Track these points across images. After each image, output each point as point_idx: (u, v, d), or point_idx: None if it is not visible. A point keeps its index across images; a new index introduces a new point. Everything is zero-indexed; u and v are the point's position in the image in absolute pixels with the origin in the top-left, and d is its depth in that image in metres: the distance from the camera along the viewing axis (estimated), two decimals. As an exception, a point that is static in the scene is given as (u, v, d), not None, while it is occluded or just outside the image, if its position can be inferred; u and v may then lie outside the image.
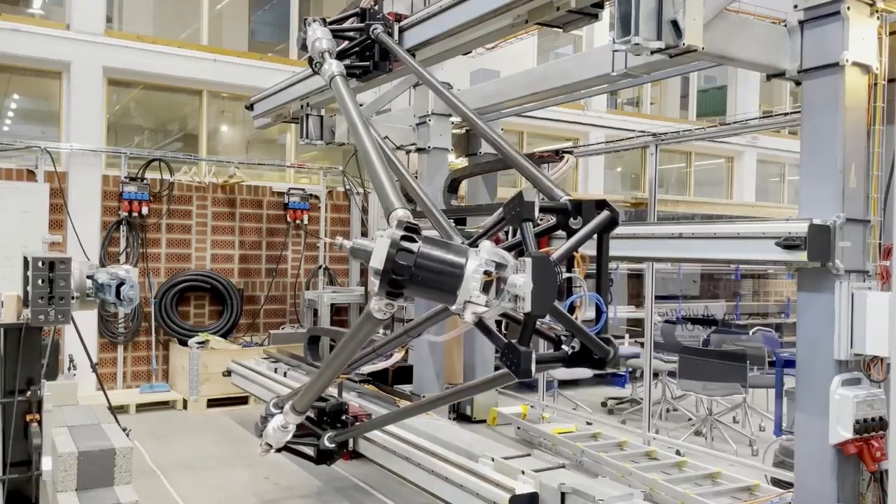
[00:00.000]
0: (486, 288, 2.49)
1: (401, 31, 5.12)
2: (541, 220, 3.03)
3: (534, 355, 2.65)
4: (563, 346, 2.98)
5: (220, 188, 10.01)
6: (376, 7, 4.94)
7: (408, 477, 5.06)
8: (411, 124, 8.33)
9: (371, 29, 4.81)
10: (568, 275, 2.98)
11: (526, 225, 2.79)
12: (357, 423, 5.40)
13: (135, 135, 10.44)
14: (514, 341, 2.68)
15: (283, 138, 11.18)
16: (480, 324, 2.70)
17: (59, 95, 9.26)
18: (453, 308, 2.53)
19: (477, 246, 2.59)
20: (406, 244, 2.47)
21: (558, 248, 2.94)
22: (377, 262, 2.47)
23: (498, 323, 3.05)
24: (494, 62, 9.24)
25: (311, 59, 4.51)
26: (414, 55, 5.06)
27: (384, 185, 2.98)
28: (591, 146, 11.00)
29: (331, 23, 4.71)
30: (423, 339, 7.42)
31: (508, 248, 2.78)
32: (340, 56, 4.67)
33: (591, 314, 3.02)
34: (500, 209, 2.98)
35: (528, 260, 2.54)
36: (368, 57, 4.92)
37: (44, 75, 9.33)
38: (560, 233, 3.15)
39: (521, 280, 2.50)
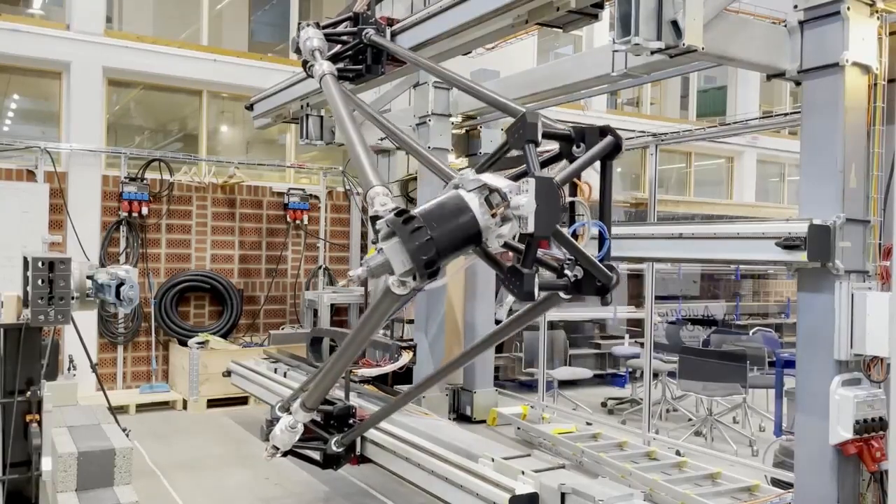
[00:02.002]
0: (496, 216, 2.56)
1: (392, 35, 5.20)
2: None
3: (537, 279, 2.66)
4: (566, 272, 2.94)
5: (220, 188, 10.01)
6: (369, 11, 5.00)
7: (408, 477, 5.05)
8: (411, 124, 8.33)
9: (363, 33, 4.88)
10: (571, 199, 2.95)
11: (529, 146, 2.75)
12: (363, 421, 5.26)
13: (135, 135, 10.44)
14: (517, 265, 2.69)
15: (283, 138, 11.18)
16: (485, 252, 2.73)
17: (59, 95, 9.26)
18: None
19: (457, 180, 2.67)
20: (419, 235, 2.49)
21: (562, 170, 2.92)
22: (402, 265, 2.51)
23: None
24: (494, 62, 9.24)
25: (304, 62, 4.58)
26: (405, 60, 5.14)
27: (364, 165, 3.14)
28: (591, 146, 10.98)
29: (324, 27, 4.79)
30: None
31: (514, 179, 2.76)
32: (334, 59, 4.76)
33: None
34: (506, 130, 2.94)
35: (532, 180, 2.54)
36: (361, 60, 5.01)
37: (44, 75, 9.33)
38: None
39: (524, 200, 2.52)
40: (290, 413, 4.52)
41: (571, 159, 2.99)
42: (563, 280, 2.94)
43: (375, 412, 5.23)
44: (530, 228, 2.54)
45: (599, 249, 2.95)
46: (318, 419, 5.12)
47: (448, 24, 4.74)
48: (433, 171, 3.40)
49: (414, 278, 2.55)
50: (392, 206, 2.67)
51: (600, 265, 2.90)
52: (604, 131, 2.98)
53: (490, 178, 2.61)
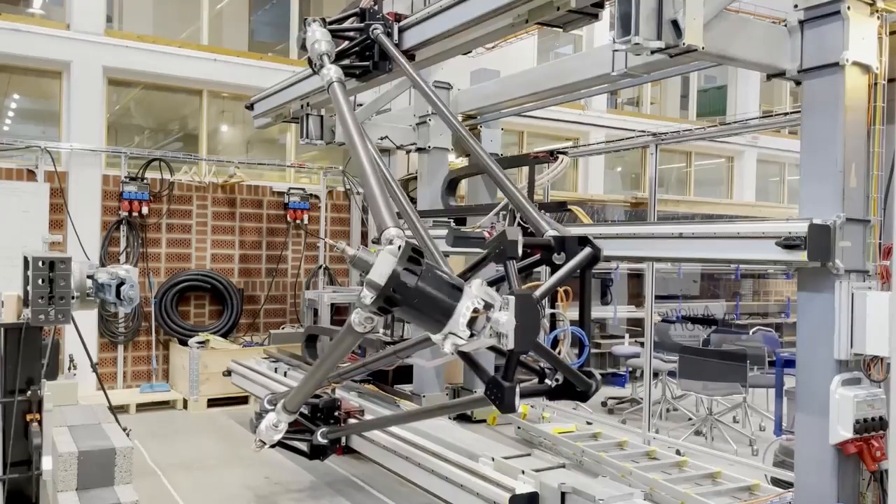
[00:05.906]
0: (470, 322, 2.48)
1: (400, 31, 5.07)
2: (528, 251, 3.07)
3: (517, 389, 2.67)
4: (547, 380, 3.01)
5: (220, 188, 10.01)
6: (376, 7, 4.92)
7: (408, 477, 5.06)
8: (411, 124, 8.33)
9: (371, 29, 4.79)
10: (551, 311, 3.09)
11: (510, 263, 2.80)
12: (349, 420, 5.57)
13: (135, 135, 10.45)
14: (498, 376, 2.70)
15: (283, 138, 11.18)
16: (465, 355, 2.71)
17: (59, 95, 9.26)
18: (434, 338, 2.52)
19: (467, 281, 2.58)
20: (411, 266, 2.45)
21: (541, 285, 2.97)
22: (378, 277, 2.42)
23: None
24: (494, 62, 9.24)
25: (310, 60, 4.51)
26: (413, 56, 5.07)
27: (378, 203, 2.95)
28: (591, 146, 11.00)
29: (330, 23, 4.71)
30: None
31: (494, 282, 2.82)
32: (340, 56, 4.67)
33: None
34: (487, 245, 2.93)
35: (512, 298, 2.55)
36: (368, 57, 4.90)
37: (44, 75, 9.33)
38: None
39: (504, 318, 2.52)
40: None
41: (552, 266, 3.07)
42: (544, 385, 3.01)
43: (363, 422, 5.54)
44: (511, 345, 2.51)
45: (579, 356, 3.05)
46: (305, 411, 5.36)
47: (455, 21, 4.65)
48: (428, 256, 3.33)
49: (378, 311, 2.50)
50: (419, 249, 2.60)
51: (579, 373, 2.96)
52: (583, 240, 3.06)
53: (495, 295, 2.57)
